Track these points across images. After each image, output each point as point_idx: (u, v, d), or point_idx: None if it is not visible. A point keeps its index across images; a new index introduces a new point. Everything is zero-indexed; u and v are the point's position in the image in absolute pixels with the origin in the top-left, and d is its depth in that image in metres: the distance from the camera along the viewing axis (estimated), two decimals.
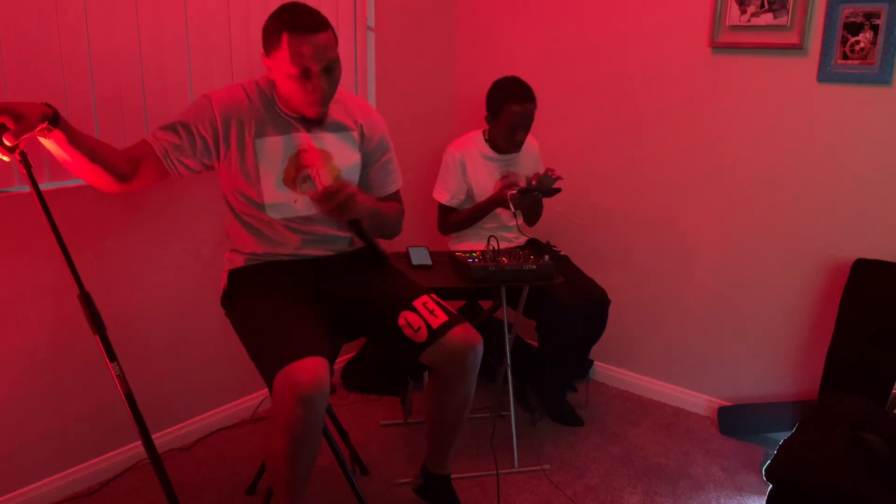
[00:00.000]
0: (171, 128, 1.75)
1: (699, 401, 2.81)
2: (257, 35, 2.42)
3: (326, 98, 1.80)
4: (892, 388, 2.07)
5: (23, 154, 1.53)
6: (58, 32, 1.93)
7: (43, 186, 1.95)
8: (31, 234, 1.99)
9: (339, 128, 1.92)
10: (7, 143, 1.47)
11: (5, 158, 1.51)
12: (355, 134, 1.95)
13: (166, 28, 2.16)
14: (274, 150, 1.83)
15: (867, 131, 2.32)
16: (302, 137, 1.86)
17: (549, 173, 2.46)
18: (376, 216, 1.92)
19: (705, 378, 2.80)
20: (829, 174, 2.41)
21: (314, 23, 1.71)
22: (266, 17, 1.72)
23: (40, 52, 1.90)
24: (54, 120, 1.50)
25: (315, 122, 1.87)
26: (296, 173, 1.86)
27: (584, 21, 2.88)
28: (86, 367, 2.14)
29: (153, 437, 2.33)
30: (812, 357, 2.51)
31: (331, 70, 1.76)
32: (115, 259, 2.19)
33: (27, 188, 1.93)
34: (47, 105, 1.50)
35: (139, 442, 2.30)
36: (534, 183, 2.45)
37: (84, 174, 1.64)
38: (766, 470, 1.77)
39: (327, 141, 1.90)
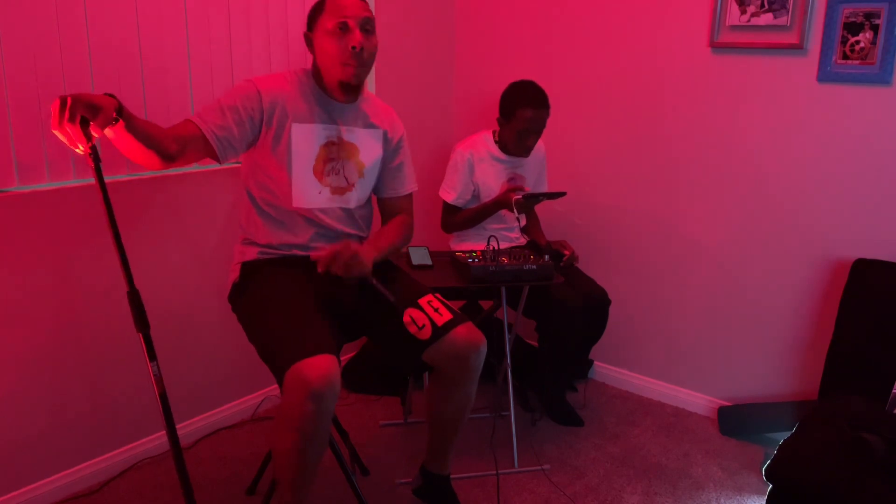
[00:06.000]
0: (218, 110, 1.76)
1: (699, 401, 2.82)
2: (258, 35, 2.43)
3: (363, 60, 1.82)
4: (892, 388, 2.08)
5: (93, 148, 1.51)
6: (58, 31, 1.93)
7: (42, 186, 1.97)
8: (32, 234, 1.99)
9: (371, 125, 1.98)
10: (95, 135, 1.46)
11: (80, 151, 1.48)
12: (381, 134, 2.01)
13: (166, 27, 2.16)
14: (309, 137, 1.87)
15: (867, 131, 2.32)
16: (337, 128, 1.91)
17: (563, 249, 2.65)
18: (384, 255, 1.94)
19: (705, 378, 2.80)
20: (829, 174, 2.41)
21: None
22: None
23: (40, 51, 1.90)
24: (120, 110, 1.49)
25: (350, 109, 1.91)
26: (324, 164, 1.90)
27: (583, 22, 2.88)
28: (86, 367, 2.14)
29: (153, 436, 2.35)
30: (812, 357, 2.51)
31: (367, 30, 1.82)
32: (113, 259, 2.19)
33: (27, 188, 1.95)
34: (110, 95, 1.49)
35: (140, 441, 2.33)
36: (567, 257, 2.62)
37: (134, 156, 1.63)
38: (766, 470, 1.77)
39: (358, 135, 1.95)
